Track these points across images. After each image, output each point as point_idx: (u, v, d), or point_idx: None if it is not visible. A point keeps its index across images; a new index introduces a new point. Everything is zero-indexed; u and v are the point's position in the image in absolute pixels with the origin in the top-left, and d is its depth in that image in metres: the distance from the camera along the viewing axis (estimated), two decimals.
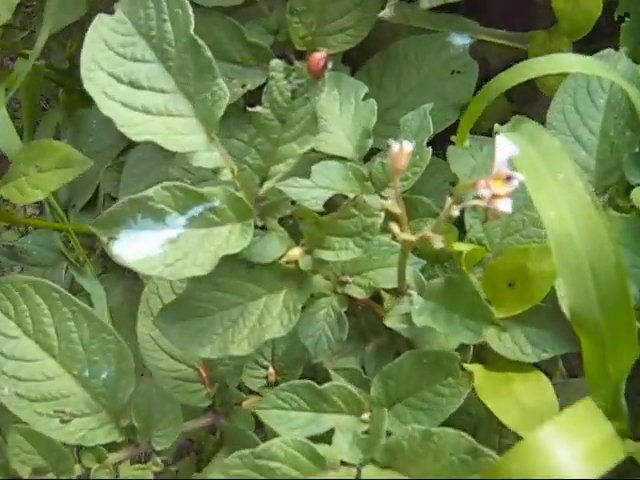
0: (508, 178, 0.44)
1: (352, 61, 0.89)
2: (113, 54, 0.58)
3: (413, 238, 0.53)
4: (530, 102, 1.05)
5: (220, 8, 0.85)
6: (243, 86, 0.85)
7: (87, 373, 0.71)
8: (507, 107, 1.04)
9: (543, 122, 0.80)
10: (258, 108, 0.60)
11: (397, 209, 0.52)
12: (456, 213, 0.49)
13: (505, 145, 0.43)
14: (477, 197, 0.47)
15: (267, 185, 0.61)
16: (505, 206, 0.44)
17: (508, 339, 0.64)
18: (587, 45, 0.87)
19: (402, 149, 0.49)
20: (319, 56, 0.58)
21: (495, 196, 0.44)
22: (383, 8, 0.82)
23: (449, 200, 0.49)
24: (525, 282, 0.58)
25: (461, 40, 0.86)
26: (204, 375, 0.75)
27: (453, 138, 0.79)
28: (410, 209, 0.71)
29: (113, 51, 0.58)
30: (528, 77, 0.58)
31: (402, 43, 0.84)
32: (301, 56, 0.85)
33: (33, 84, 0.92)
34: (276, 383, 0.76)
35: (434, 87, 0.83)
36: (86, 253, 0.93)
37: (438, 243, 0.50)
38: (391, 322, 0.63)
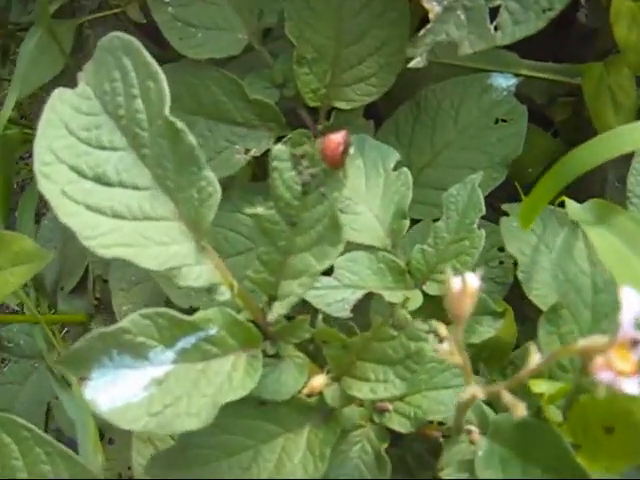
0: (634, 342, 0.28)
1: (376, 112, 0.76)
2: (75, 140, 0.47)
3: (481, 394, 0.38)
4: (580, 137, 0.90)
5: (214, 60, 0.72)
6: (247, 151, 0.72)
7: None
8: (554, 145, 0.89)
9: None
10: (259, 209, 0.47)
11: (458, 359, 0.36)
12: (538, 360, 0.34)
13: (635, 301, 0.28)
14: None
15: (278, 310, 0.47)
16: (632, 387, 0.28)
17: None
18: None
19: (465, 287, 0.34)
20: (336, 139, 0.44)
21: (619, 373, 0.29)
22: (411, 47, 0.66)
23: (535, 357, 0.34)
24: (628, 429, 0.42)
25: (504, 81, 0.72)
26: None
27: (505, 207, 0.65)
28: None
29: (75, 136, 0.47)
30: (615, 155, 0.42)
31: (434, 89, 0.72)
32: (315, 113, 0.72)
33: (5, 157, 0.78)
34: None
35: (476, 140, 0.71)
36: None
37: (520, 411, 0.34)
38: (447, 473, 0.47)
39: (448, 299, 0.36)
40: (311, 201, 0.46)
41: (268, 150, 0.69)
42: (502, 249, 0.71)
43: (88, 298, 0.88)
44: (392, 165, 0.62)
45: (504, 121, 0.70)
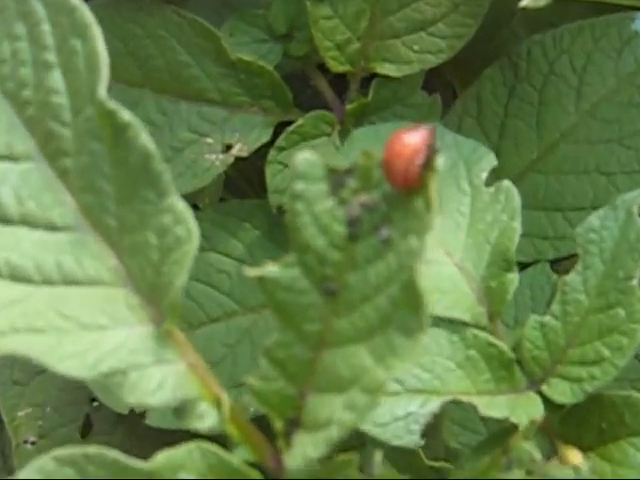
0: None
1: (441, 82, 0.74)
2: None
3: None
4: None
5: None
6: (226, 149, 0.69)
7: None
8: None
9: None
10: (270, 268, 0.42)
11: None
12: None
13: None
14: None
15: (303, 446, 0.44)
16: None
17: None
18: None
19: None
20: (413, 142, 0.40)
21: None
22: None
23: None
24: None
25: None
26: None
27: None
28: (604, 416, 0.55)
29: None
30: None
31: (542, 41, 0.70)
32: (342, 83, 0.70)
33: None
34: None
35: (613, 127, 0.69)
36: None
37: None
38: None
39: None
40: (365, 253, 0.42)
41: (264, 146, 0.68)
42: None
43: None
44: (484, 175, 0.58)
45: None
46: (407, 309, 0.40)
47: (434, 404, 0.52)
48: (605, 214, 0.54)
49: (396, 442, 0.52)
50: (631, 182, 0.66)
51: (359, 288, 0.42)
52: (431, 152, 0.39)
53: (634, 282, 0.53)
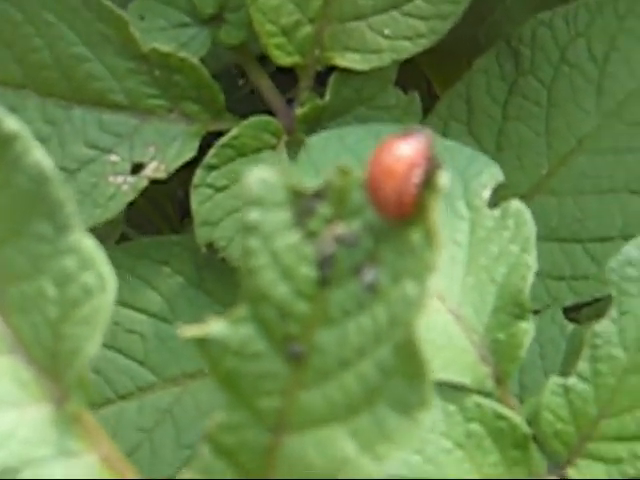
0: None
1: (412, 77, 0.76)
2: None
3: None
4: None
5: None
6: (138, 168, 0.70)
7: None
8: None
9: None
10: (214, 326, 0.42)
11: None
12: None
13: None
14: None
15: None
16: None
17: None
18: None
19: None
20: (405, 153, 0.40)
21: None
22: None
23: None
24: None
25: None
26: None
27: None
28: None
29: None
30: None
31: (550, 21, 0.71)
32: (290, 79, 0.72)
33: None
34: None
35: None
36: None
37: None
38: None
39: None
40: (343, 303, 0.43)
41: (188, 165, 0.69)
42: None
43: None
44: (486, 194, 0.59)
45: None
46: (403, 378, 0.41)
47: None
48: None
49: None
50: None
51: (335, 351, 0.42)
52: (432, 166, 0.40)
53: None
